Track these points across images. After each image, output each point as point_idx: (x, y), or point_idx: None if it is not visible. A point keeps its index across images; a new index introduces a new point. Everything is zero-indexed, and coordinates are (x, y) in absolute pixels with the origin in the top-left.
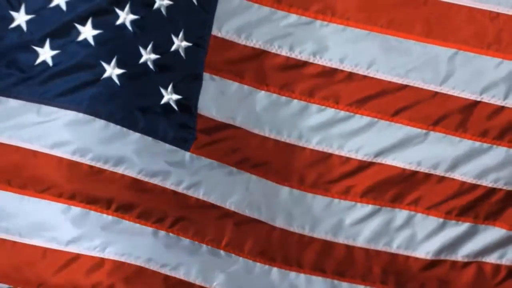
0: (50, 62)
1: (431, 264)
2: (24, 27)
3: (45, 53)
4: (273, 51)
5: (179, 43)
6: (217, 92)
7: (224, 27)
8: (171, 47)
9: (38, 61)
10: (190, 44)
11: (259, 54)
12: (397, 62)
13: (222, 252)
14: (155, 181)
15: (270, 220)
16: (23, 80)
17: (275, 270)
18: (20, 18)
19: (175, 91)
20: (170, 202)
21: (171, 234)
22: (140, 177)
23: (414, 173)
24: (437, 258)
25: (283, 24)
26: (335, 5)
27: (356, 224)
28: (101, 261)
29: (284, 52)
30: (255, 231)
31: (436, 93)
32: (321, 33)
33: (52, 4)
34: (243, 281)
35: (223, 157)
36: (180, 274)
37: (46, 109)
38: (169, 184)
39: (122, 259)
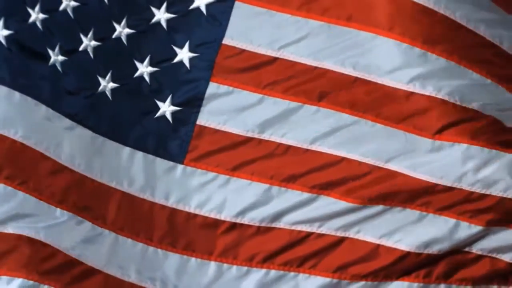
0: (59, 68)
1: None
2: (40, 25)
3: (55, 57)
4: (286, 57)
5: (184, 54)
6: (223, 101)
7: (237, 35)
8: (173, 58)
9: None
10: (196, 55)
11: (273, 61)
12: None
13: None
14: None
15: None
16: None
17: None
18: (35, 15)
19: (173, 102)
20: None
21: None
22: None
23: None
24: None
25: (295, 29)
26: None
27: (365, 221)
28: None
29: (297, 58)
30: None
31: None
32: (334, 37)
33: (61, 8)
34: None
35: (221, 167)
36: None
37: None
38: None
39: None
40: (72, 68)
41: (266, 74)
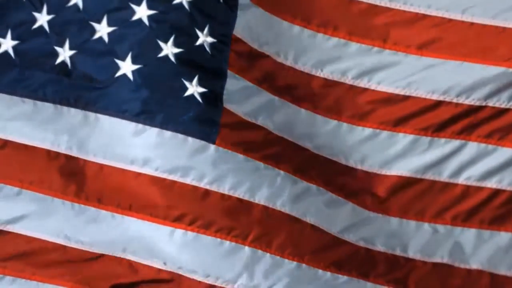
0: (68, 63)
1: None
2: (47, 27)
3: (64, 53)
4: (279, 60)
5: (204, 38)
6: (240, 90)
7: (243, 30)
8: (196, 41)
9: (58, 61)
10: (215, 40)
11: (268, 59)
12: (399, 75)
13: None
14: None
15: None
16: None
17: (304, 266)
18: (43, 18)
19: (200, 84)
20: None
21: (189, 232)
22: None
23: (419, 180)
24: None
25: (288, 35)
26: (337, 20)
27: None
28: None
29: (289, 62)
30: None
31: (440, 102)
32: (323, 46)
33: (70, 4)
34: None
35: (249, 152)
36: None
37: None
38: (189, 180)
39: None
40: (82, 60)
41: (270, 72)
